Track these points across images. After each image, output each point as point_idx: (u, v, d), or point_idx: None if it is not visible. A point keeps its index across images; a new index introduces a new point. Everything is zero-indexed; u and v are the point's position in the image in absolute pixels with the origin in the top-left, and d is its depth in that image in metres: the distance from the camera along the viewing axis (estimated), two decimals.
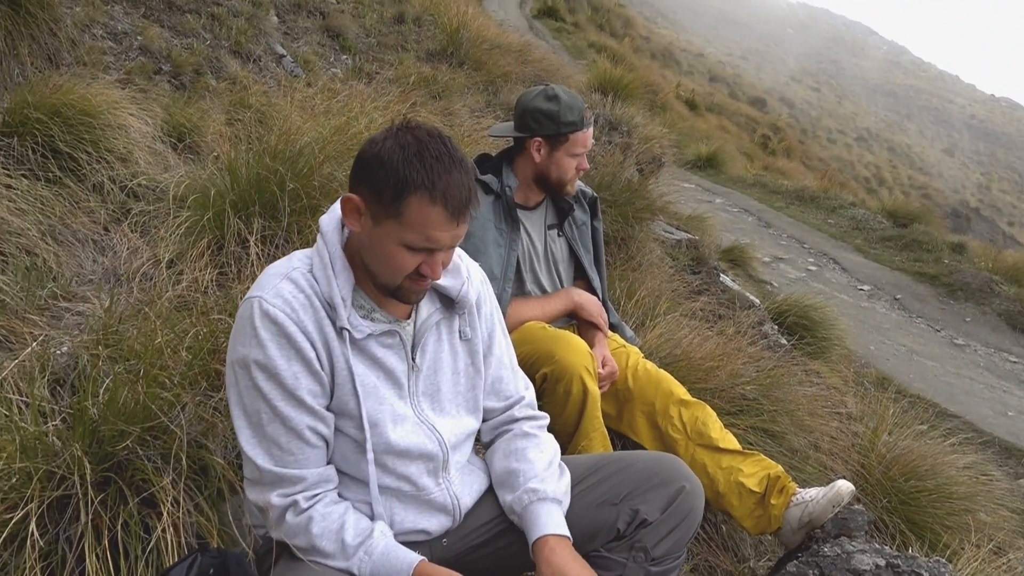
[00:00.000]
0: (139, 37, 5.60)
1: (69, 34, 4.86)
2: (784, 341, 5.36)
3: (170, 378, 1.89)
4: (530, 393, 1.99)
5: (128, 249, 3.16)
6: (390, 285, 1.61)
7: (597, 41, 23.91)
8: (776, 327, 5.63)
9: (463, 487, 1.81)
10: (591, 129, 2.83)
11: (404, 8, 9.51)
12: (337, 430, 1.64)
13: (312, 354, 1.57)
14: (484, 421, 1.92)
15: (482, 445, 1.97)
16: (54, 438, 1.73)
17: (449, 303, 1.79)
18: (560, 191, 2.85)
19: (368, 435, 1.62)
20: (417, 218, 1.52)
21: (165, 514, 1.59)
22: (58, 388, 2.15)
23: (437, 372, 1.76)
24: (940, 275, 11.98)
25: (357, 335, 1.62)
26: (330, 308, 1.60)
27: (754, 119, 34.33)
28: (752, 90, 44.91)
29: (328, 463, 1.64)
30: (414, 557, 1.55)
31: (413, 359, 1.71)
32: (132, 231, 3.27)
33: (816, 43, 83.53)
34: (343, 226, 1.68)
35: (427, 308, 1.76)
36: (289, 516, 1.57)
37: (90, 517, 1.55)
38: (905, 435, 3.87)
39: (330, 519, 1.57)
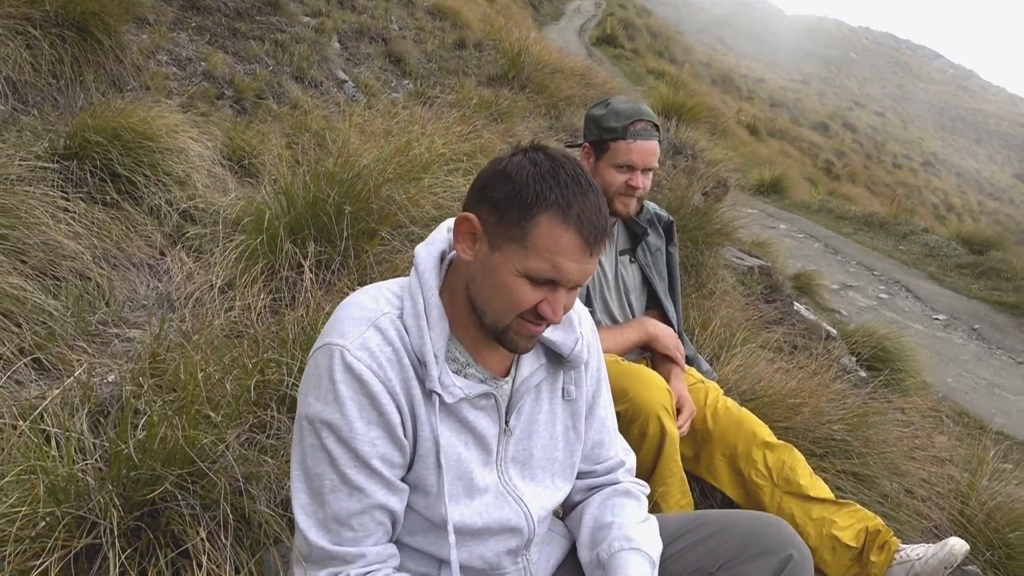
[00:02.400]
0: (203, 63, 5.62)
1: (134, 60, 4.87)
2: (863, 374, 5.05)
3: (214, 413, 1.75)
4: (631, 459, 1.76)
5: (183, 274, 3.06)
6: (498, 325, 1.38)
7: (656, 67, 23.78)
8: (853, 359, 5.32)
9: (540, 563, 1.60)
10: (643, 143, 2.53)
11: (465, 34, 9.48)
12: (407, 505, 1.43)
13: (397, 419, 1.36)
14: (578, 479, 1.69)
15: (568, 505, 1.73)
16: (89, 478, 1.59)
17: (557, 360, 1.56)
18: (609, 208, 2.61)
19: (449, 517, 1.41)
20: (546, 241, 1.31)
21: (201, 574, 1.42)
22: (101, 421, 2.03)
23: (531, 436, 1.54)
24: (1021, 304, 11.42)
25: (448, 399, 1.39)
26: (420, 364, 1.38)
27: (817, 144, 33.69)
28: (814, 115, 44.13)
29: (392, 540, 1.43)
30: None
31: (507, 422, 1.50)
32: (187, 255, 3.18)
33: (881, 68, 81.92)
34: (441, 261, 1.47)
35: (530, 365, 1.53)
36: None
37: (118, 571, 1.39)
38: (1006, 481, 3.54)
39: None
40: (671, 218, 2.86)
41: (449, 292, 1.45)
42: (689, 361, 2.81)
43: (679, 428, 2.41)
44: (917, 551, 2.28)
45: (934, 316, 10.74)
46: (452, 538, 1.41)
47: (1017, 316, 11.25)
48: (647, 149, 2.53)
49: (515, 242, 1.33)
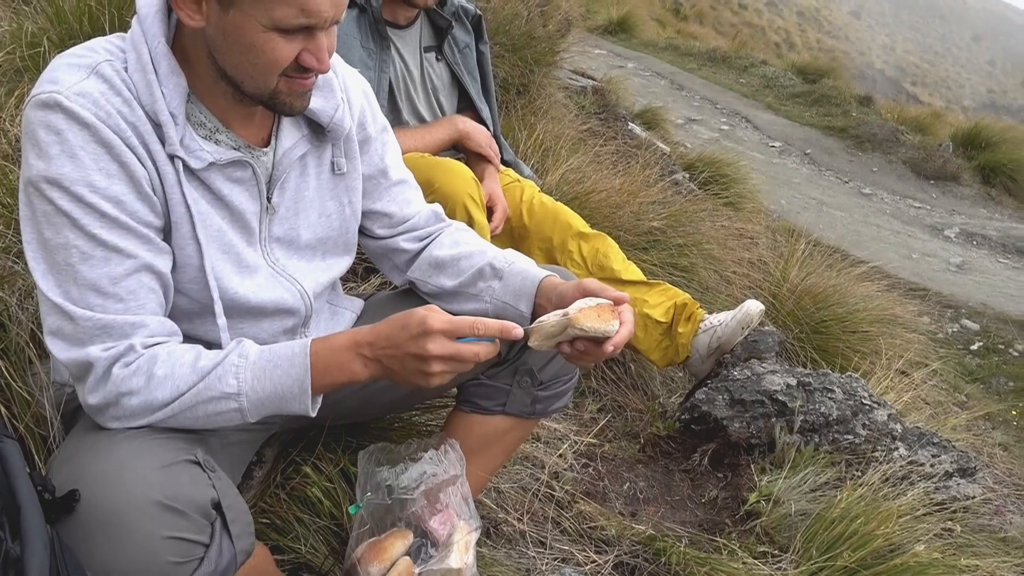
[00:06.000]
0: None
1: None
2: (697, 189, 5.21)
3: None
4: (440, 208, 1.66)
5: None
6: (263, 92, 1.21)
7: None
8: (687, 175, 5.48)
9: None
10: None
11: None
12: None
13: (142, 172, 1.16)
14: (404, 235, 1.57)
15: (405, 260, 1.59)
16: None
17: (319, 130, 1.39)
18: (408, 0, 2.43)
19: (215, 290, 1.27)
20: None
21: None
22: None
23: (298, 215, 1.39)
24: (848, 128, 12.13)
25: (195, 163, 1.21)
26: (156, 126, 1.18)
27: None
28: None
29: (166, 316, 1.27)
30: (303, 340, 1.23)
31: (269, 199, 1.33)
32: None
33: None
34: (170, 11, 1.23)
35: (291, 135, 1.36)
36: (118, 368, 1.14)
37: None
38: (815, 269, 3.80)
39: (177, 354, 1.18)
40: (479, 12, 2.71)
41: (182, 56, 1.23)
42: (507, 164, 2.77)
43: (493, 228, 2.38)
44: (719, 318, 2.40)
45: (770, 144, 11.25)
46: (219, 307, 1.28)
47: (844, 139, 11.96)
48: None
49: None
